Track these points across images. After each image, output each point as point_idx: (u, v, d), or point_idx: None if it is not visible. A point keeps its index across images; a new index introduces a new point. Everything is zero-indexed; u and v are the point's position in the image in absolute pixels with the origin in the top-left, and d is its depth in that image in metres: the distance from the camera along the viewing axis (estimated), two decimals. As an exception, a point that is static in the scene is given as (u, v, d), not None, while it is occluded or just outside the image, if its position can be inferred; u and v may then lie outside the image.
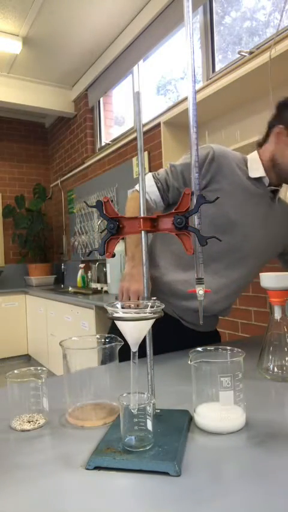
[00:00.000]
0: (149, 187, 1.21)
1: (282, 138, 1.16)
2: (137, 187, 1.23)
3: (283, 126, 1.16)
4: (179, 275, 1.20)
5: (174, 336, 1.21)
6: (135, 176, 3.49)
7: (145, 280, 0.69)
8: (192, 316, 1.24)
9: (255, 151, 1.26)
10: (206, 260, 1.14)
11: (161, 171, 1.26)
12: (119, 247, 3.06)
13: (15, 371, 0.73)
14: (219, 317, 1.39)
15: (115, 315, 0.59)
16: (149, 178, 1.23)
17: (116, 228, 0.69)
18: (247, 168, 1.22)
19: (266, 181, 1.22)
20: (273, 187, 1.24)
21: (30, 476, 0.55)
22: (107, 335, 0.81)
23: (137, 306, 0.64)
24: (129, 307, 0.64)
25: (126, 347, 0.67)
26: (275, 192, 1.26)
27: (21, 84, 4.29)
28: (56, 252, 5.39)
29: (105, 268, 3.42)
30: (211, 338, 1.37)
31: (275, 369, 0.91)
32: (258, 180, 1.22)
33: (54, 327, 3.78)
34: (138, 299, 1.11)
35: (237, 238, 1.19)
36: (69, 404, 0.75)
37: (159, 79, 3.73)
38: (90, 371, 0.74)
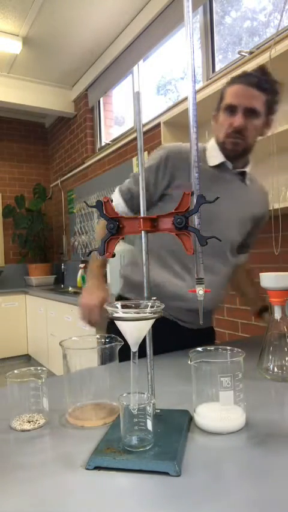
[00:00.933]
0: (115, 202, 1.26)
1: (216, 120, 1.26)
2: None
3: (216, 110, 1.26)
4: (166, 276, 1.22)
5: (171, 336, 1.21)
6: (135, 176, 3.49)
7: (145, 280, 0.69)
8: (186, 316, 1.25)
9: (213, 139, 1.29)
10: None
11: (126, 181, 1.30)
12: (119, 247, 3.06)
13: (15, 371, 0.73)
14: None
15: (115, 315, 0.59)
16: (115, 193, 1.29)
17: (116, 228, 0.69)
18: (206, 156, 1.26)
19: (229, 165, 1.24)
20: (239, 170, 1.27)
21: (31, 476, 0.55)
22: (107, 335, 0.81)
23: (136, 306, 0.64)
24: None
25: (126, 347, 0.67)
26: (244, 174, 1.29)
27: (21, 84, 4.29)
28: (56, 252, 5.39)
29: (105, 268, 3.41)
30: (208, 335, 1.39)
31: (275, 369, 0.91)
32: (221, 166, 1.24)
33: (54, 327, 3.78)
34: (99, 312, 1.16)
35: (218, 228, 1.19)
36: (69, 405, 0.75)
37: (159, 79, 3.73)
38: (90, 371, 0.74)
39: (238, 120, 1.15)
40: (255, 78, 1.15)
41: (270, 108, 1.20)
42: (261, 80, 1.15)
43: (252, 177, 1.38)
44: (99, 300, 1.19)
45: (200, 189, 1.14)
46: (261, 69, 1.20)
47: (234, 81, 1.19)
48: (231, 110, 1.17)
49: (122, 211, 1.25)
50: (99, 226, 1.35)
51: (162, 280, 1.22)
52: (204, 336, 1.33)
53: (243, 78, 1.16)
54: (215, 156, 1.24)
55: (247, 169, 1.30)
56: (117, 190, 1.29)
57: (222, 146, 1.22)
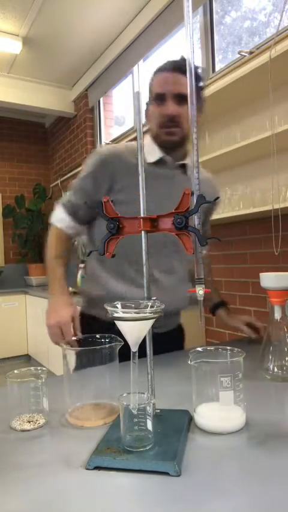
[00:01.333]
0: (59, 218, 1.23)
1: (147, 114, 1.21)
2: (54, 221, 1.25)
3: (146, 104, 1.21)
4: (123, 286, 1.17)
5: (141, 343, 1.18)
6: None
7: (145, 280, 0.69)
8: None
9: (148, 135, 1.23)
10: (155, 265, 1.14)
11: (66, 195, 1.26)
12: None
13: (15, 371, 0.73)
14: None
15: (115, 315, 0.59)
16: (57, 209, 1.24)
17: (116, 228, 0.69)
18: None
19: (168, 159, 1.20)
20: (179, 163, 1.22)
21: (31, 476, 0.55)
22: (107, 335, 0.81)
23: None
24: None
25: (125, 347, 0.67)
26: (185, 166, 1.23)
27: (21, 84, 4.28)
28: (56, 252, 5.37)
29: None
30: (178, 335, 1.37)
31: (275, 369, 0.91)
32: (160, 162, 1.20)
33: (54, 327, 3.77)
34: (74, 327, 1.09)
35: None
36: (69, 404, 0.75)
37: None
38: (90, 371, 0.74)
39: (169, 107, 1.12)
40: (178, 63, 1.12)
41: (198, 93, 1.15)
42: (184, 64, 1.09)
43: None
44: (68, 316, 1.10)
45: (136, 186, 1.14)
46: (183, 57, 1.14)
47: (158, 70, 1.17)
48: (160, 98, 1.13)
49: (67, 226, 1.22)
50: (51, 234, 1.25)
51: (120, 291, 1.17)
52: (175, 335, 1.32)
53: (167, 66, 1.14)
54: (152, 153, 1.19)
55: (187, 161, 1.23)
56: (59, 206, 1.24)
57: (158, 139, 1.18)
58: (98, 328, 0.86)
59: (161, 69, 1.16)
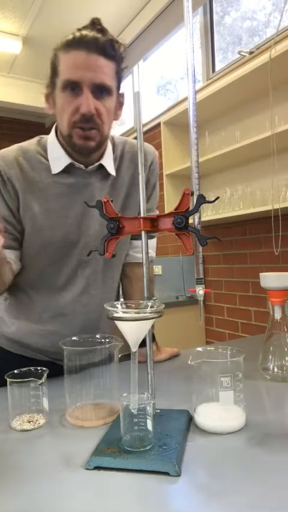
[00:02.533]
0: None
1: (50, 102, 0.93)
2: None
3: (47, 87, 0.92)
4: (34, 326, 1.02)
5: None
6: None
7: (145, 281, 0.69)
8: (56, 354, 1.00)
9: (53, 129, 0.98)
10: (83, 286, 0.99)
11: None
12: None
13: (15, 371, 0.73)
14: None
15: (115, 315, 0.59)
16: None
17: (116, 228, 0.69)
18: (48, 160, 0.95)
19: (79, 165, 0.95)
20: (95, 165, 0.96)
21: (31, 476, 0.55)
22: (107, 335, 0.81)
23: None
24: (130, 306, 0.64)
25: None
26: (101, 168, 0.98)
27: (21, 84, 4.28)
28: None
29: None
30: None
31: (275, 369, 0.91)
32: (70, 168, 0.95)
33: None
34: None
35: (86, 248, 0.97)
36: (69, 405, 0.75)
37: (159, 79, 3.73)
38: (90, 371, 0.74)
39: (86, 103, 0.85)
40: (97, 41, 0.84)
41: (120, 80, 0.92)
42: (106, 43, 0.85)
43: (124, 150, 1.04)
44: None
45: (54, 208, 0.91)
46: (96, 26, 0.87)
47: (69, 45, 0.85)
48: (73, 87, 0.85)
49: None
50: None
51: (30, 330, 1.02)
52: None
53: (81, 42, 0.84)
54: (57, 158, 0.94)
55: (104, 161, 0.97)
56: None
57: (68, 141, 0.91)
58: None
59: (73, 45, 0.85)
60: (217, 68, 2.88)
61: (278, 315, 0.92)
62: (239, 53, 2.43)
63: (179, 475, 0.53)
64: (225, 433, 0.65)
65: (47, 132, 1.03)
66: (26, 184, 0.93)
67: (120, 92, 0.94)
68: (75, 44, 0.84)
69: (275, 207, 1.97)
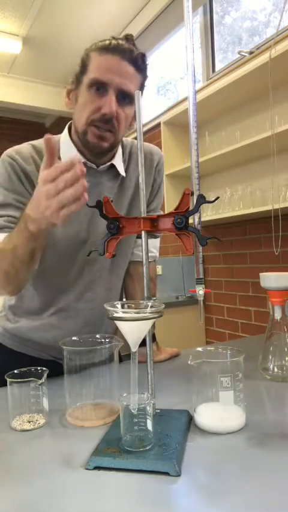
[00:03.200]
0: None
1: (72, 97, 0.96)
2: None
3: (73, 83, 0.95)
4: (38, 320, 1.03)
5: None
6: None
7: (145, 281, 0.69)
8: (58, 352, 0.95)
9: (66, 128, 1.00)
10: (89, 284, 1.00)
11: None
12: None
13: (15, 371, 0.73)
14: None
15: (115, 315, 0.59)
16: None
17: (116, 228, 0.69)
18: (60, 159, 0.95)
19: (91, 164, 0.97)
20: (106, 165, 0.99)
21: (30, 476, 0.55)
22: (107, 335, 0.81)
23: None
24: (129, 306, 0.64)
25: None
26: (113, 168, 1.01)
27: (21, 84, 4.28)
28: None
29: None
30: None
31: (275, 369, 0.91)
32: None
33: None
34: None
35: (94, 246, 0.95)
36: (69, 405, 0.75)
37: (159, 79, 3.73)
38: (90, 371, 0.74)
39: (110, 105, 0.87)
40: (131, 52, 0.88)
41: (142, 88, 0.95)
42: (138, 57, 0.89)
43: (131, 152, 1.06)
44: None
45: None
46: (130, 41, 0.91)
47: (105, 49, 0.88)
48: (99, 87, 0.88)
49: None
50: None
51: (31, 326, 1.03)
52: None
53: (117, 49, 0.88)
54: (70, 157, 0.94)
55: (115, 161, 1.00)
56: None
57: (83, 137, 0.93)
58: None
59: (108, 49, 0.88)
60: (217, 68, 2.88)
61: (278, 315, 0.92)
62: (239, 53, 2.43)
63: (179, 475, 0.53)
64: (225, 433, 0.65)
65: (47, 132, 1.03)
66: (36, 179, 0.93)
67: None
68: (111, 49, 0.88)
69: (275, 207, 1.97)
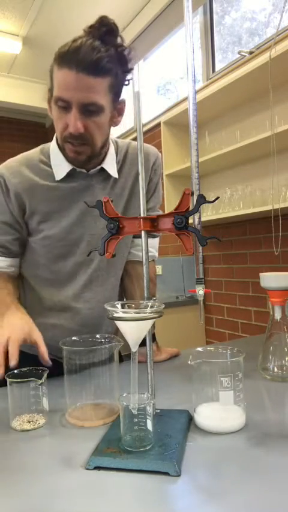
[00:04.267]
0: None
1: (49, 110, 0.93)
2: None
3: (49, 87, 0.92)
4: (37, 319, 1.00)
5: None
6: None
7: (145, 280, 0.69)
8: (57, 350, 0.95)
9: (55, 136, 0.98)
10: (87, 283, 1.02)
11: None
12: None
13: (15, 371, 0.73)
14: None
15: (115, 315, 0.59)
16: None
17: (116, 228, 0.69)
18: (51, 167, 0.98)
19: (81, 169, 0.98)
20: (96, 168, 1.00)
21: (30, 476, 0.55)
22: (106, 335, 0.81)
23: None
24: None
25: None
26: (103, 171, 1.01)
27: (21, 84, 4.29)
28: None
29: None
30: None
31: (275, 369, 0.91)
32: (72, 173, 0.98)
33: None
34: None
35: (89, 246, 1.01)
36: (69, 405, 0.75)
37: (159, 79, 3.73)
38: (90, 371, 0.74)
39: (74, 123, 0.86)
40: (92, 55, 0.81)
41: (119, 90, 0.91)
42: (100, 59, 0.82)
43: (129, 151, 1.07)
44: (22, 331, 0.86)
45: (57, 209, 0.97)
46: (102, 28, 0.84)
47: (62, 60, 0.83)
48: (63, 105, 0.87)
49: (5, 266, 1.02)
50: None
51: (43, 322, 1.01)
52: None
53: (73, 59, 0.81)
54: (59, 165, 0.97)
55: (105, 164, 1.00)
56: None
57: (63, 152, 0.96)
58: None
59: (65, 60, 0.83)
60: (217, 68, 2.88)
61: (278, 315, 0.92)
62: (239, 53, 2.43)
63: (179, 475, 0.53)
64: (225, 433, 0.65)
65: (47, 132, 1.05)
66: (31, 191, 0.97)
67: (121, 99, 0.94)
68: (67, 60, 0.83)
69: (275, 207, 1.97)
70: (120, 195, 1.04)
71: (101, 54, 0.82)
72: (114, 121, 0.96)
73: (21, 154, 1.02)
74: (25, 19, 3.28)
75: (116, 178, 1.03)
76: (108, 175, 1.02)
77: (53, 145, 1.00)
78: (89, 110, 0.87)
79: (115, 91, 0.90)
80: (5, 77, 4.20)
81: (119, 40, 0.86)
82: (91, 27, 0.85)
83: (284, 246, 2.15)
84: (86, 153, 0.93)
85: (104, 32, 0.84)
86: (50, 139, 1.04)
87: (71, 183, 0.99)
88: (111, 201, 0.70)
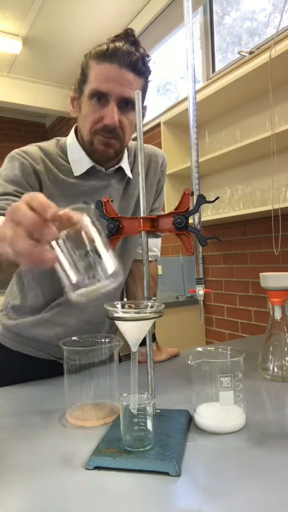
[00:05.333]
0: None
1: (75, 106, 0.97)
2: None
3: (75, 91, 0.95)
4: (40, 316, 1.03)
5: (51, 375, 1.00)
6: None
7: (145, 280, 0.69)
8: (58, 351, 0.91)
9: (73, 131, 1.00)
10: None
11: None
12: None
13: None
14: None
15: (115, 314, 0.59)
16: None
17: (116, 228, 0.69)
18: (69, 162, 0.97)
19: (100, 167, 0.99)
20: (114, 168, 1.01)
21: (30, 476, 0.55)
22: (106, 335, 0.81)
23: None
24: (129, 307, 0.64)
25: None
26: (119, 171, 1.03)
27: (21, 84, 4.29)
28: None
29: None
30: None
31: (275, 369, 0.91)
32: (91, 170, 0.97)
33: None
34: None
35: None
36: (69, 405, 0.75)
37: (159, 79, 3.73)
38: (90, 371, 0.74)
39: (111, 115, 0.88)
40: (130, 56, 0.86)
41: (144, 94, 0.95)
42: (138, 60, 0.88)
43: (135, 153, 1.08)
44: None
45: (70, 205, 0.97)
46: (130, 37, 0.88)
47: (102, 57, 0.87)
48: (100, 98, 0.89)
49: None
50: None
51: (30, 320, 1.02)
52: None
53: (115, 56, 0.86)
54: (78, 161, 0.97)
55: (123, 164, 1.02)
56: None
57: (89, 146, 0.95)
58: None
59: (107, 57, 0.87)
60: (217, 68, 2.88)
61: (278, 315, 0.92)
62: (239, 53, 2.43)
63: (179, 475, 0.53)
64: (225, 433, 0.65)
65: (47, 132, 1.05)
66: (52, 181, 0.95)
67: (144, 104, 0.96)
68: (108, 56, 0.86)
69: (275, 207, 1.97)
70: (132, 196, 1.06)
71: (138, 56, 0.88)
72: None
73: (35, 144, 1.00)
74: (25, 19, 3.28)
75: (129, 179, 1.05)
76: (123, 176, 1.04)
77: (71, 141, 0.99)
78: (125, 105, 0.90)
79: (144, 93, 0.94)
80: (5, 77, 4.20)
81: (143, 50, 0.91)
82: (117, 36, 0.90)
83: (284, 246, 2.15)
84: (115, 147, 0.94)
85: (132, 42, 0.89)
86: (49, 139, 1.04)
87: (91, 181, 0.98)
88: (111, 200, 0.70)
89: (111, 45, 0.87)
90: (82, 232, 0.53)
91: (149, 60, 0.92)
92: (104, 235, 0.55)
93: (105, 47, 0.87)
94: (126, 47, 0.87)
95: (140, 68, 0.89)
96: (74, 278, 0.53)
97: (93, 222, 0.54)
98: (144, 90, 0.93)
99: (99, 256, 0.54)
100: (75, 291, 0.53)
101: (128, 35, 0.89)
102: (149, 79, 0.94)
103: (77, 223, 0.53)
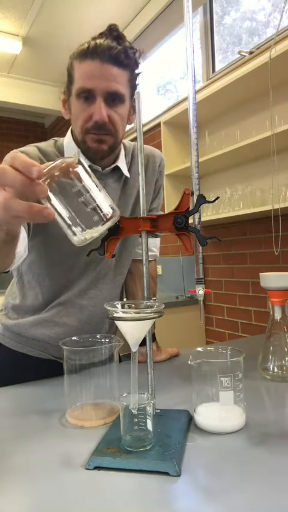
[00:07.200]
0: None
1: (66, 107, 0.99)
2: None
3: (64, 93, 0.98)
4: (41, 316, 1.04)
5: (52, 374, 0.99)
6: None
7: (145, 280, 0.69)
8: (58, 351, 0.95)
9: (69, 132, 1.01)
10: (94, 282, 1.03)
11: None
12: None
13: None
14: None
15: (115, 315, 0.59)
16: None
17: (115, 228, 0.69)
18: None
19: (96, 167, 0.99)
20: (110, 167, 1.01)
21: (31, 476, 0.55)
22: (106, 335, 0.81)
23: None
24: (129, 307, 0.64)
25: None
26: (117, 169, 1.03)
27: (21, 84, 4.29)
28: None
29: None
30: None
31: (275, 369, 0.91)
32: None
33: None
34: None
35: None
36: (69, 405, 0.75)
37: (159, 79, 3.73)
38: (90, 371, 0.74)
39: (99, 111, 0.89)
40: (111, 50, 0.87)
41: (134, 87, 0.94)
42: (120, 53, 0.87)
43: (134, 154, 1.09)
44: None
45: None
46: (113, 32, 0.89)
47: (84, 55, 0.89)
48: (87, 96, 0.90)
49: None
50: None
51: (31, 321, 1.03)
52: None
53: (95, 52, 0.87)
54: None
55: (119, 163, 1.02)
56: None
57: (83, 146, 0.95)
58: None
59: (87, 54, 0.88)
60: (217, 68, 2.88)
61: (278, 315, 0.92)
62: (239, 53, 2.43)
63: (179, 475, 0.53)
64: (225, 433, 0.65)
65: (47, 132, 1.05)
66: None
67: (134, 97, 0.96)
68: (89, 53, 0.88)
69: (275, 207, 1.97)
70: (130, 195, 1.06)
71: (119, 49, 0.88)
72: (129, 118, 0.99)
73: (33, 144, 1.00)
74: (25, 19, 3.28)
75: (127, 178, 1.05)
76: (120, 176, 1.04)
77: (68, 141, 1.00)
78: (113, 99, 0.90)
79: (132, 86, 0.94)
80: (5, 77, 4.20)
81: (127, 43, 0.91)
82: (101, 34, 0.91)
83: (284, 246, 2.15)
84: (108, 142, 0.93)
85: (115, 36, 0.90)
86: (48, 139, 1.03)
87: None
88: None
89: (92, 43, 0.88)
90: (71, 175, 0.55)
91: (134, 52, 0.91)
92: (94, 176, 0.57)
93: (86, 45, 0.89)
94: (106, 42, 0.88)
95: (122, 61, 0.88)
96: (73, 225, 0.56)
97: (82, 165, 0.56)
98: (132, 82, 0.93)
99: (93, 198, 0.56)
100: (76, 235, 0.57)
101: (111, 30, 0.90)
102: (137, 71, 0.94)
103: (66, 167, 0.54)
